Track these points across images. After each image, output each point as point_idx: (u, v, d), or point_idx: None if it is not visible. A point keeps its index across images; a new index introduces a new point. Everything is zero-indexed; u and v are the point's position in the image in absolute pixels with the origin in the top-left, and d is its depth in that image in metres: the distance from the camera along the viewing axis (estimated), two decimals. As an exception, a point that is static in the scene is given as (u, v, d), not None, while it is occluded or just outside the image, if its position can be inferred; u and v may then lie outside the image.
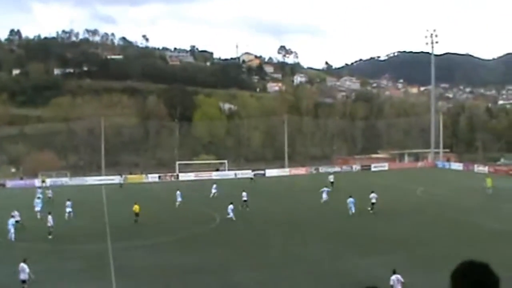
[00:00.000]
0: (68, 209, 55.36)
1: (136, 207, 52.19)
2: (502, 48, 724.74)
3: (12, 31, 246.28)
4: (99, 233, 45.99)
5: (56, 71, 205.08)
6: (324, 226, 48.01)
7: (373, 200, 55.49)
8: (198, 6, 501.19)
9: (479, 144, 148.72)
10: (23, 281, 29.32)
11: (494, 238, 40.41)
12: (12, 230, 44.15)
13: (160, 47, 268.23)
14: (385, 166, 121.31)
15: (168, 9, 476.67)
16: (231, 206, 53.86)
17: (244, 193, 60.33)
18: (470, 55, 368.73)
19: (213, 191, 72.38)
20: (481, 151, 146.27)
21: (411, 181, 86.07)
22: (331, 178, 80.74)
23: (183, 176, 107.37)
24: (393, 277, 26.33)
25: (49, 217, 45.34)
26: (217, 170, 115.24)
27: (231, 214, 52.65)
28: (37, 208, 56.82)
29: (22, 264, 29.51)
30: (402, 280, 26.30)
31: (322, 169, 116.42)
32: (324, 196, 62.55)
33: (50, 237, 43.99)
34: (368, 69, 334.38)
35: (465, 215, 52.13)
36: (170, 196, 65.83)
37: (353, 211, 53.69)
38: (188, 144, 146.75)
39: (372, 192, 56.77)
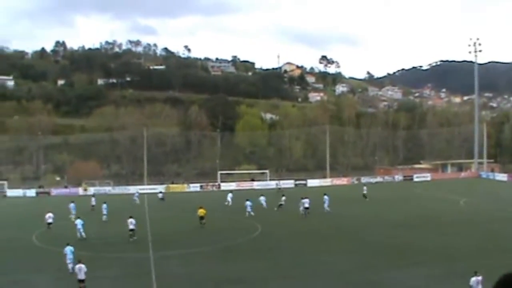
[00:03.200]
0: (104, 212, 60.83)
1: (201, 211, 54.33)
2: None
3: (57, 42, 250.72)
4: (140, 242, 46.26)
5: (100, 82, 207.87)
6: (361, 236, 47.42)
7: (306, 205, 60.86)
8: (237, 17, 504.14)
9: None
10: (82, 280, 30.77)
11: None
12: (82, 230, 48.07)
13: (202, 58, 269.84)
14: (427, 176, 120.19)
15: (207, 20, 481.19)
16: (263, 197, 64.17)
17: (306, 200, 61.52)
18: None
19: (228, 199, 73.16)
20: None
21: (454, 192, 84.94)
22: (364, 189, 79.82)
23: (224, 186, 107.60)
24: (473, 278, 25.85)
25: (130, 220, 47.63)
26: (253, 180, 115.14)
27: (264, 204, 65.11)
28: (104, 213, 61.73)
29: (80, 265, 31.07)
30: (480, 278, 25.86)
31: (364, 179, 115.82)
32: None
33: (135, 238, 46.95)
34: (410, 78, 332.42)
35: (509, 226, 51.13)
36: (212, 205, 66.06)
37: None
38: (230, 154, 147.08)
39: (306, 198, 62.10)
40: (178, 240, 48.00)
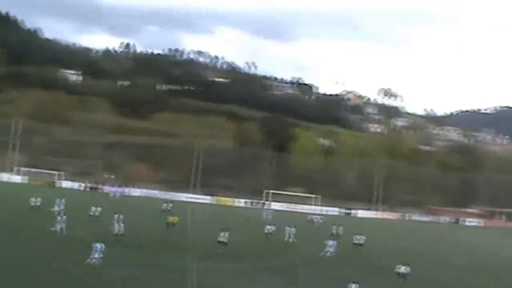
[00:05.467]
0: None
1: (173, 219, 59.86)
2: None
3: (124, 43, 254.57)
4: (181, 250, 45.78)
5: (161, 87, 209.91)
6: (420, 277, 46.09)
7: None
8: (302, 40, 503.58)
9: None
10: None
11: None
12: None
13: (264, 75, 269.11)
14: (481, 222, 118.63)
15: (271, 41, 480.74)
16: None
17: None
18: None
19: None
20: None
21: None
22: (334, 229, 73.24)
23: (272, 205, 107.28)
24: None
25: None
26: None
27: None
28: None
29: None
30: None
31: (414, 217, 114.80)
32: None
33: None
34: (472, 120, 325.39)
35: None
36: (261, 222, 65.72)
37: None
38: (281, 174, 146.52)
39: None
40: (223, 253, 47.11)
